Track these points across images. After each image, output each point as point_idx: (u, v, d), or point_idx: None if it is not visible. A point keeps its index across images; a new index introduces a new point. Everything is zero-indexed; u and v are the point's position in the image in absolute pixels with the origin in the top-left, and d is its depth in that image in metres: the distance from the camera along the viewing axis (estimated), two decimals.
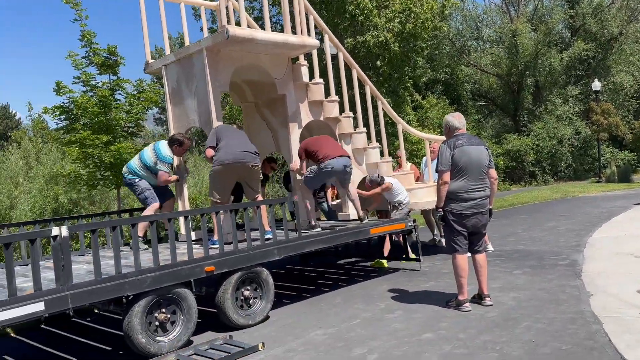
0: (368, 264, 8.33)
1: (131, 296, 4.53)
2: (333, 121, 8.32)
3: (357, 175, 8.23)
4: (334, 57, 9.10)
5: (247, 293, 5.41)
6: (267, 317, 5.62)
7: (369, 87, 8.83)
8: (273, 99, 7.89)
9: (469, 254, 5.41)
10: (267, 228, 6.06)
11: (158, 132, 32.73)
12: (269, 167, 8.85)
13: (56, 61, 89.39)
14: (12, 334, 6.11)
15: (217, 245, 5.48)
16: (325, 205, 9.16)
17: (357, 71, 8.68)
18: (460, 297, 5.38)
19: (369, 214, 7.95)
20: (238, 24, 6.97)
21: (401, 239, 7.88)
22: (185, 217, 6.07)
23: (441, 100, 25.48)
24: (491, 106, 33.92)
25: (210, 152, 6.26)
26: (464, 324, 4.94)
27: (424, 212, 9.33)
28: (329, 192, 9.16)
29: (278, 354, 4.57)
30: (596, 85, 25.57)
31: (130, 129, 10.36)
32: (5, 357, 5.26)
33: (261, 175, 6.78)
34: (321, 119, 8.20)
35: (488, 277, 5.58)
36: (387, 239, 8.03)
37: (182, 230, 7.36)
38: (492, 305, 5.41)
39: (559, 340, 4.31)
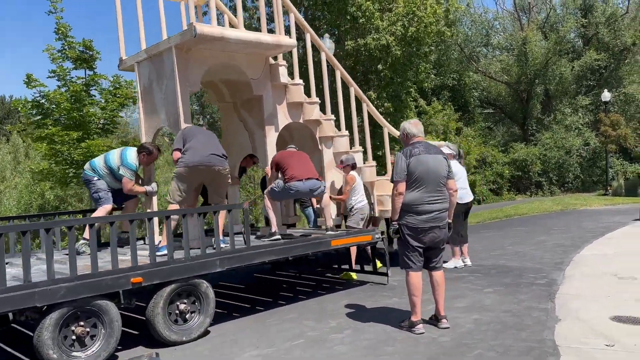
0: (338, 275, 7.91)
1: (45, 307, 4.17)
2: (313, 124, 7.99)
3: (339, 182, 7.93)
4: (316, 57, 8.78)
5: (182, 307, 5.01)
6: (206, 332, 5.22)
7: (354, 89, 8.50)
8: (250, 99, 7.58)
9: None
10: (222, 236, 5.68)
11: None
12: (251, 161, 8.49)
13: (32, 52, 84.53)
14: None
15: (165, 252, 5.14)
16: (309, 210, 8.79)
17: (340, 72, 8.40)
18: (413, 318, 4.94)
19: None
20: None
21: (369, 250, 7.45)
22: (131, 221, 5.70)
23: (447, 106, 24.94)
24: (499, 114, 33.29)
25: (177, 154, 5.90)
26: (411, 348, 4.50)
27: None
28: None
29: None
30: (606, 96, 24.93)
31: (106, 126, 10.08)
32: None
33: (230, 180, 6.40)
34: (301, 121, 7.84)
35: (457, 295, 5.16)
36: (353, 250, 7.54)
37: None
38: (448, 328, 4.97)
39: None
